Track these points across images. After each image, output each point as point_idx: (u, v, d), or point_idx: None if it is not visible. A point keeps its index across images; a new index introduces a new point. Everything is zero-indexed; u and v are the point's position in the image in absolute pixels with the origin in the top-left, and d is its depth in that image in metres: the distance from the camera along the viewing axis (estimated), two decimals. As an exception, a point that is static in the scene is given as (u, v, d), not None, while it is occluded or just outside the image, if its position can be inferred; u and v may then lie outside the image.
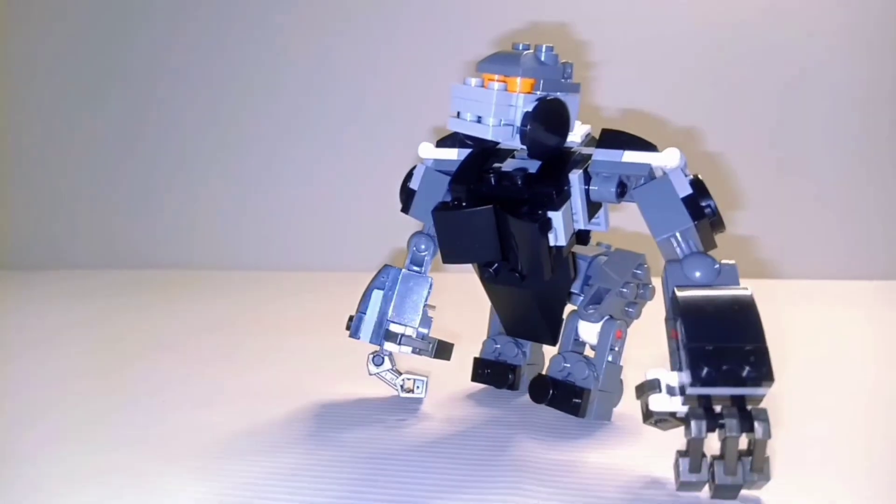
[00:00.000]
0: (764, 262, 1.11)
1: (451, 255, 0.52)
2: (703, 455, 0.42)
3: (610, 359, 0.55)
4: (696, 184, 0.48)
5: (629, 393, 0.56)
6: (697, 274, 0.45)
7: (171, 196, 1.32)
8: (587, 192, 0.51)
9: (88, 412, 0.59)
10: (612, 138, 0.51)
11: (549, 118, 0.50)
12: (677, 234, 0.47)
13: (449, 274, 0.55)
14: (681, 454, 0.42)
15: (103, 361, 0.74)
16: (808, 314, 0.88)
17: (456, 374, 0.63)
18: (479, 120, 0.50)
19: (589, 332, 0.56)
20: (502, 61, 0.49)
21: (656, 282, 0.57)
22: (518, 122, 0.49)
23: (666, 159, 0.49)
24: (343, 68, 1.23)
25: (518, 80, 0.49)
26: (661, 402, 0.43)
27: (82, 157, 1.34)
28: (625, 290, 0.56)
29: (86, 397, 0.63)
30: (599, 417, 0.54)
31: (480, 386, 0.63)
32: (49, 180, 1.35)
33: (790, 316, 0.82)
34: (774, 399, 0.42)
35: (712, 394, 0.41)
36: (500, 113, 0.49)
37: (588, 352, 0.57)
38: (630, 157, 0.50)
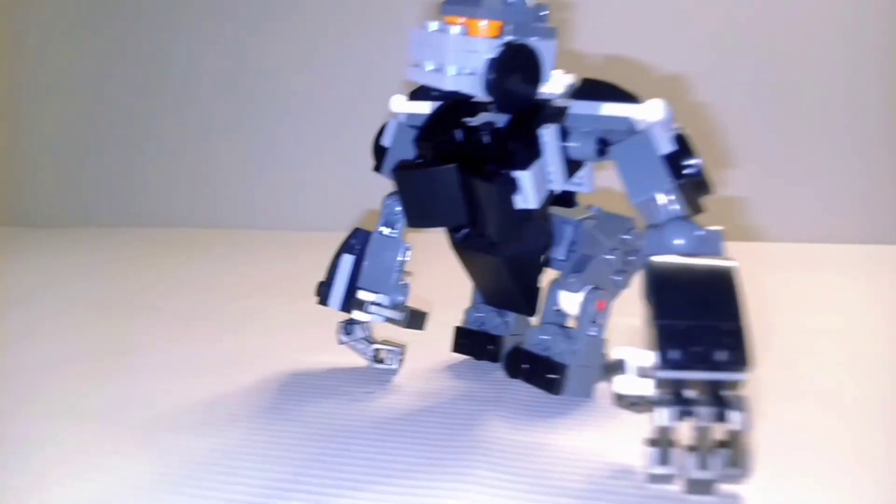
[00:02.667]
0: (753, 226, 1.02)
1: (415, 218, 0.48)
2: (672, 445, 0.37)
3: (593, 332, 0.50)
4: (680, 140, 0.42)
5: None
6: (677, 241, 0.40)
7: (147, 154, 1.29)
8: (564, 148, 0.46)
9: (39, 377, 0.57)
10: (591, 89, 0.46)
11: (516, 65, 0.44)
12: (656, 197, 0.42)
13: (429, 235, 0.51)
14: (649, 443, 0.38)
15: (65, 324, 0.72)
16: (797, 280, 0.79)
17: (438, 344, 0.59)
18: (439, 69, 0.45)
19: (570, 302, 0.51)
20: (465, 2, 0.44)
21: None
22: (482, 71, 0.44)
23: (648, 112, 0.43)
24: (314, 19, 1.16)
25: (481, 23, 0.44)
26: (626, 385, 0.38)
27: (63, 115, 1.32)
28: (611, 256, 0.51)
29: (41, 360, 0.61)
30: (578, 395, 0.50)
31: (462, 357, 0.59)
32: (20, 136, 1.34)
33: (778, 282, 0.75)
34: (756, 381, 0.37)
35: (683, 378, 0.36)
36: (459, 60, 0.43)
37: (571, 323, 0.52)
38: (609, 109, 0.44)
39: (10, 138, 1.35)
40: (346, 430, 0.47)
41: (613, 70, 0.47)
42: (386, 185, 0.55)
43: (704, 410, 0.35)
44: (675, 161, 0.42)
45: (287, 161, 1.22)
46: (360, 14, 1.15)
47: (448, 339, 0.59)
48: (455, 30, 0.43)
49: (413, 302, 0.55)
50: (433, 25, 0.45)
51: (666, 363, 0.35)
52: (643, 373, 0.38)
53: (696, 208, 0.43)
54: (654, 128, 0.42)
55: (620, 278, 0.52)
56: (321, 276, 0.56)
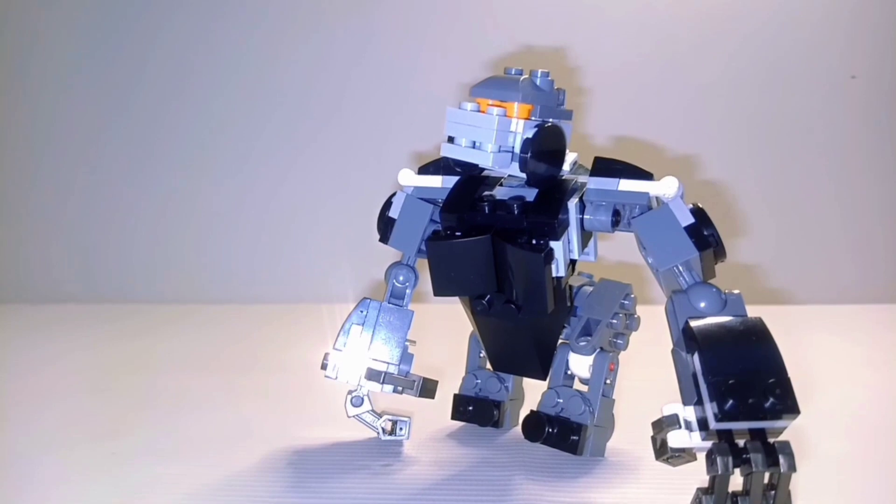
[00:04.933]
0: (766, 290, 1.13)
1: (444, 286, 0.49)
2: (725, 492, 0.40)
3: (606, 393, 0.53)
4: (698, 213, 0.47)
5: (621, 426, 0.55)
6: (703, 304, 0.44)
7: (130, 229, 1.22)
8: (581, 221, 0.50)
9: (27, 465, 0.52)
10: (607, 166, 0.50)
11: (549, 145, 0.48)
12: (679, 265, 0.46)
13: (423, 305, 0.53)
14: (703, 492, 0.41)
15: (48, 403, 0.67)
16: (812, 340, 0.89)
17: (432, 412, 0.59)
18: (474, 145, 0.47)
19: (581, 365, 0.54)
20: (500, 86, 0.48)
21: (641, 311, 0.56)
22: (518, 149, 0.48)
23: (664, 188, 0.48)
24: (323, 91, 1.17)
25: (516, 105, 0.47)
26: (681, 438, 0.41)
27: (36, 187, 1.23)
28: (614, 321, 0.54)
29: (28, 445, 0.55)
30: (594, 454, 0.53)
31: (459, 424, 0.60)
32: None
33: (797, 342, 0.83)
34: (794, 430, 0.41)
35: (735, 428, 0.39)
36: (499, 139, 0.47)
37: (577, 385, 0.55)
38: (627, 185, 0.49)
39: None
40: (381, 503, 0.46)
41: (623, 150, 0.52)
42: (389, 256, 0.57)
43: (758, 457, 0.39)
44: (697, 231, 0.46)
45: (290, 233, 1.19)
46: (363, 88, 1.16)
47: (436, 406, 0.59)
48: (496, 111, 0.46)
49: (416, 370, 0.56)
50: (469, 106, 0.47)
51: (724, 415, 0.39)
52: (690, 425, 0.41)
53: (711, 273, 0.47)
54: (674, 201, 0.47)
55: (621, 341, 0.55)
56: (304, 349, 0.55)
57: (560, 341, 0.55)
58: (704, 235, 0.46)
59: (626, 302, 0.55)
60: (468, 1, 1.14)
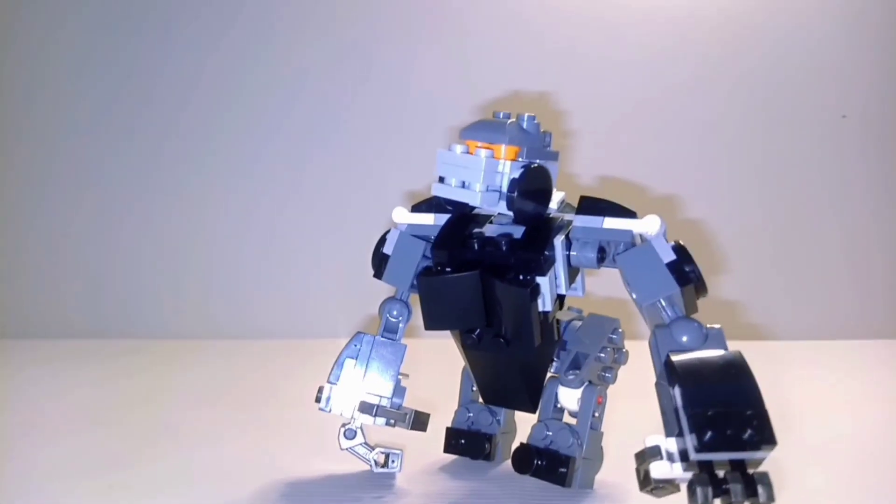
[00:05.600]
0: (746, 325, 1.15)
1: (435, 320, 0.51)
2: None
3: (594, 426, 0.54)
4: (679, 249, 0.49)
5: (609, 459, 0.56)
6: (685, 339, 0.46)
7: (125, 263, 1.24)
8: (567, 257, 0.52)
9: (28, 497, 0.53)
10: (592, 205, 0.52)
11: (535, 185, 0.50)
12: (662, 300, 0.48)
13: (416, 339, 0.54)
14: (685, 523, 0.42)
15: (50, 437, 0.68)
16: (793, 374, 0.91)
17: (425, 445, 0.60)
18: (463, 185, 0.49)
19: (569, 398, 0.55)
20: (488, 128, 0.50)
21: (630, 346, 0.58)
22: (505, 189, 0.50)
23: (647, 226, 0.50)
24: (317, 132, 1.20)
25: (503, 147, 0.50)
26: (663, 469, 0.42)
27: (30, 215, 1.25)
28: (602, 354, 0.56)
29: (30, 478, 0.56)
30: (583, 486, 0.53)
31: (451, 457, 0.61)
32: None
33: (777, 376, 0.84)
34: (773, 462, 0.42)
35: (717, 458, 0.41)
36: (487, 179, 0.49)
37: (566, 418, 0.56)
38: (611, 223, 0.51)
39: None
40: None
41: (608, 190, 0.54)
42: (382, 291, 0.58)
43: (737, 487, 0.40)
44: (678, 268, 0.48)
45: (289, 271, 1.21)
46: (358, 133, 1.19)
47: (428, 439, 0.60)
48: (484, 153, 0.48)
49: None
50: (459, 148, 0.50)
51: (703, 446, 0.40)
52: (672, 457, 0.43)
53: (693, 308, 0.49)
54: (656, 239, 0.49)
55: (609, 374, 0.56)
56: (297, 384, 0.56)
57: (549, 375, 0.56)
58: (685, 271, 0.48)
59: (613, 336, 0.57)
60: (458, 48, 1.17)
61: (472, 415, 0.61)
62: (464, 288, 0.49)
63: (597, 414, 0.54)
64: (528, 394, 0.55)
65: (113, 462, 0.61)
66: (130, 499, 0.53)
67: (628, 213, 0.51)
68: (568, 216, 0.53)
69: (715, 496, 0.40)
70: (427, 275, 0.50)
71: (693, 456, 0.40)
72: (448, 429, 0.61)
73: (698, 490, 0.40)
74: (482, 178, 0.48)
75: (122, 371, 0.97)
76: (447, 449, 0.60)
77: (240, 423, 0.72)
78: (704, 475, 0.41)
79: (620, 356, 0.57)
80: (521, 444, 0.55)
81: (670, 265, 0.48)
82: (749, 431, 0.40)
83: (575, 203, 0.53)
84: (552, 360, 0.55)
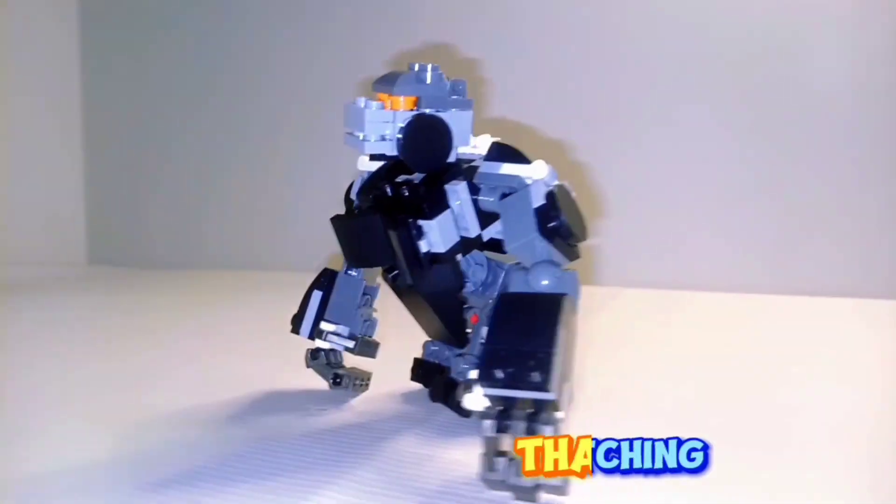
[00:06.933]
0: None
1: (351, 258, 0.57)
2: (503, 454, 0.43)
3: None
4: (550, 196, 0.49)
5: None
6: (544, 282, 0.46)
7: (125, 195, 1.51)
8: (476, 201, 0.54)
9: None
10: (497, 151, 0.53)
11: (423, 133, 0.53)
12: (525, 243, 0.48)
13: None
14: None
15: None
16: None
17: (400, 374, 0.67)
18: (361, 137, 0.54)
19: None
20: (385, 81, 0.54)
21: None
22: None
23: (532, 171, 0.50)
24: (297, 79, 1.35)
25: (401, 98, 0.53)
26: (474, 401, 0.44)
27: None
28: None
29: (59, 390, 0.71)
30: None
31: (419, 385, 0.66)
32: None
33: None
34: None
35: (500, 395, 0.42)
36: (375, 129, 0.52)
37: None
38: (507, 169, 0.52)
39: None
40: (278, 437, 0.55)
41: (508, 133, 0.55)
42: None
43: (517, 424, 0.41)
44: (544, 213, 0.48)
45: (271, 207, 1.42)
46: (339, 77, 1.31)
47: (405, 370, 0.66)
48: (373, 104, 0.53)
49: (380, 335, 0.64)
50: (363, 101, 0.54)
51: (487, 381, 0.42)
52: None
53: (569, 255, 0.49)
54: (535, 184, 0.49)
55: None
56: (281, 311, 0.66)
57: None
58: (548, 217, 0.48)
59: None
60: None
61: (436, 348, 0.65)
62: (368, 230, 0.54)
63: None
64: (451, 330, 0.58)
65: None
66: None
67: (524, 160, 0.51)
68: (477, 162, 0.54)
69: (500, 430, 0.42)
70: (337, 217, 0.56)
71: (482, 390, 0.42)
72: (415, 359, 0.66)
73: (484, 423, 0.42)
74: (367, 129, 0.52)
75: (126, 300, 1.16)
76: (412, 377, 0.66)
77: (230, 342, 0.85)
78: (494, 409, 0.42)
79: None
80: (439, 375, 0.59)
81: (537, 210, 0.48)
82: (533, 372, 0.41)
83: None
84: (465, 299, 0.58)
